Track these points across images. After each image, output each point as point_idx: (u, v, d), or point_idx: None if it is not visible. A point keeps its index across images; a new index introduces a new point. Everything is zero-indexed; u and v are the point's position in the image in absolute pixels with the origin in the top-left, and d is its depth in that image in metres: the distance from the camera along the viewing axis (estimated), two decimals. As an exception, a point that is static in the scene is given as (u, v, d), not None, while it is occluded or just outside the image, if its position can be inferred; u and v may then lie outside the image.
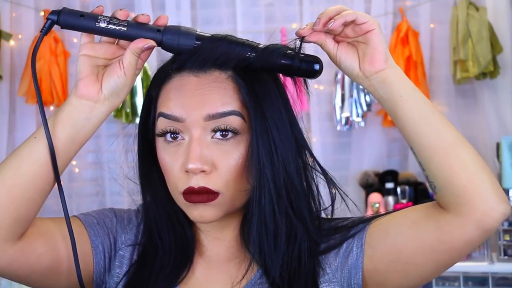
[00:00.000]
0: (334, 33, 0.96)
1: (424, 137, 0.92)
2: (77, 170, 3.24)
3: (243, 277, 0.99)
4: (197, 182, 0.93)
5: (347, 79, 3.04)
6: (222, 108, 0.94)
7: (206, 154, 0.94)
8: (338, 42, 0.97)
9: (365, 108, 3.04)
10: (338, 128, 3.11)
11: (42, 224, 0.99)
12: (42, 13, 3.11)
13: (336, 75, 3.07)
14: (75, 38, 3.12)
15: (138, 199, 1.07)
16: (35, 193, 0.94)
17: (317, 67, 0.97)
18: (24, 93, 3.07)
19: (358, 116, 3.05)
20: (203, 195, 0.94)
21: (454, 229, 0.91)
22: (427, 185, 0.97)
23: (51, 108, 3.18)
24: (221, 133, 0.95)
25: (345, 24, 0.94)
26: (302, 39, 0.96)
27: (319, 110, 3.15)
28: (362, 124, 3.09)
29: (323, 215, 1.04)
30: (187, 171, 0.94)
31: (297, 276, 0.97)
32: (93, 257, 1.03)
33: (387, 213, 1.01)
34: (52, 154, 0.93)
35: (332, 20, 0.93)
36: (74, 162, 3.18)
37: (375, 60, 0.93)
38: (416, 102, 0.93)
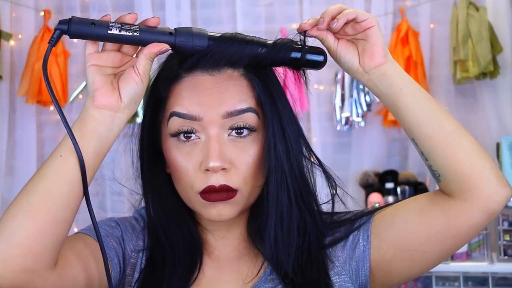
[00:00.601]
0: (335, 31, 0.97)
1: (425, 127, 0.94)
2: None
3: (257, 273, 1.00)
4: (217, 180, 0.94)
5: (347, 79, 3.04)
6: (240, 105, 0.95)
7: (225, 152, 0.95)
8: (338, 39, 0.98)
9: (365, 108, 3.04)
10: (338, 128, 3.11)
11: (71, 244, 0.96)
12: (42, 13, 3.11)
13: (336, 75, 3.07)
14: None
15: (136, 200, 1.06)
16: (69, 213, 0.89)
17: (321, 58, 0.99)
18: (24, 93, 3.07)
19: (358, 116, 3.05)
20: (223, 193, 0.95)
21: (460, 215, 0.94)
22: (431, 175, 1.00)
23: (51, 108, 3.18)
24: (236, 131, 0.96)
25: (346, 23, 0.96)
26: (305, 32, 0.98)
27: (319, 110, 3.15)
28: (362, 124, 3.09)
29: (324, 209, 1.05)
30: (207, 170, 0.94)
31: (309, 267, 0.98)
32: (111, 270, 1.01)
33: (388, 205, 1.03)
34: (83, 171, 0.89)
35: (336, 20, 0.95)
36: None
37: (374, 54, 0.96)
38: (415, 94, 0.96)
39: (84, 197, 0.91)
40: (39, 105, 3.17)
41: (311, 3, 3.10)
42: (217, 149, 0.93)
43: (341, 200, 1.05)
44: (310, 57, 0.98)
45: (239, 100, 0.96)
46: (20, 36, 3.15)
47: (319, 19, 0.97)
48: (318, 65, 0.99)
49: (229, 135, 0.96)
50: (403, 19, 3.04)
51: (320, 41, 0.98)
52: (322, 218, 1.03)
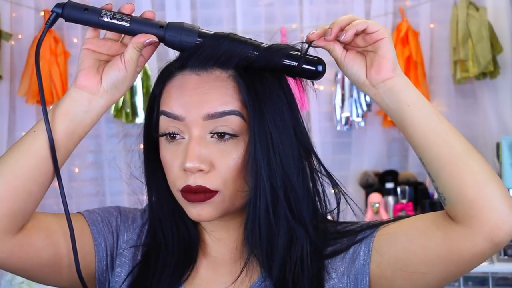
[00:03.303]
0: (345, 43, 0.95)
1: (433, 147, 0.91)
2: (77, 170, 3.24)
3: (238, 275, 0.99)
4: (194, 181, 0.93)
5: (347, 79, 3.03)
6: (222, 108, 0.94)
7: (205, 153, 0.94)
8: (347, 49, 0.96)
9: (365, 108, 3.04)
10: (338, 128, 3.11)
11: (43, 219, 0.99)
12: (42, 13, 3.11)
13: (336, 75, 3.07)
14: (75, 38, 3.12)
15: (144, 198, 1.07)
16: (34, 186, 0.94)
17: (320, 68, 0.97)
18: (24, 93, 3.07)
19: (358, 116, 3.05)
20: (200, 194, 0.94)
21: (464, 241, 0.89)
22: (438, 198, 0.95)
23: (51, 108, 3.18)
24: (218, 135, 0.94)
25: (356, 34, 0.93)
26: (310, 43, 0.95)
27: (319, 110, 3.15)
28: (362, 124, 3.09)
29: (329, 217, 1.03)
30: (185, 170, 0.94)
31: (301, 279, 0.96)
32: (95, 254, 1.03)
33: (395, 219, 0.99)
34: (52, 148, 0.94)
35: (344, 31, 0.92)
36: (74, 162, 3.18)
37: (382, 68, 0.92)
38: (424, 111, 0.92)
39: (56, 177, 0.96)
40: (39, 105, 3.16)
41: (311, 3, 3.09)
42: (195, 150, 0.93)
43: (350, 207, 1.01)
44: (306, 66, 0.96)
45: (221, 102, 0.94)
46: (20, 36, 3.15)
47: (327, 30, 0.94)
48: (314, 76, 0.97)
49: (212, 137, 0.95)
50: (403, 19, 3.04)
51: (328, 51, 0.96)
52: (326, 228, 1.01)
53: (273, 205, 0.95)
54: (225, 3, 3.16)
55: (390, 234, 0.96)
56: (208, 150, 0.94)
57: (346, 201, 1.01)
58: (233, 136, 0.94)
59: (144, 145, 1.04)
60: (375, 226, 0.99)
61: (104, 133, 3.19)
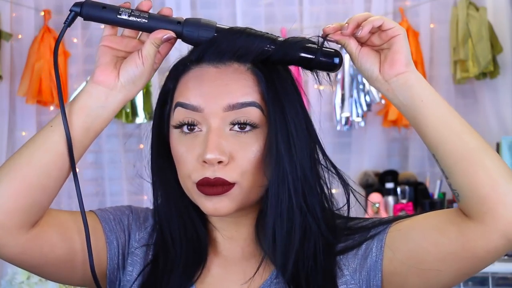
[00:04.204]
0: (361, 40, 0.95)
1: (447, 142, 0.90)
2: (77, 170, 3.23)
3: (254, 274, 0.98)
4: (213, 173, 0.93)
5: (347, 79, 3.04)
6: (242, 99, 0.94)
7: (224, 145, 0.93)
8: (361, 46, 0.96)
9: (365, 108, 3.03)
10: (338, 128, 3.11)
11: (58, 215, 0.99)
12: (42, 13, 3.11)
13: (336, 75, 3.06)
14: (75, 38, 3.13)
15: (145, 198, 1.06)
16: (49, 181, 0.94)
17: (337, 60, 0.97)
18: (24, 93, 3.07)
19: (358, 116, 3.05)
20: (218, 187, 0.93)
21: (478, 238, 0.89)
22: (452, 194, 0.95)
23: (51, 108, 3.18)
24: (239, 126, 0.94)
25: (372, 32, 0.94)
26: (326, 36, 0.96)
27: (319, 110, 3.14)
28: (362, 124, 3.09)
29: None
30: (204, 162, 0.93)
31: (314, 273, 0.96)
32: (107, 253, 1.03)
33: (408, 216, 0.99)
34: (69, 143, 0.94)
35: (361, 27, 0.93)
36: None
37: (395, 62, 0.92)
38: (437, 106, 0.91)
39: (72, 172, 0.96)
40: (39, 105, 3.16)
41: (311, 3, 3.09)
42: (215, 142, 0.92)
43: (360, 203, 1.01)
44: (324, 58, 0.97)
45: (242, 93, 0.94)
46: (20, 36, 3.15)
47: (343, 25, 0.94)
48: (332, 68, 0.97)
49: (231, 129, 0.94)
50: (403, 19, 3.04)
51: (342, 46, 0.96)
52: (335, 224, 1.00)
53: (295, 198, 0.95)
54: (225, 3, 3.17)
55: (403, 230, 0.96)
56: (227, 142, 0.94)
57: (355, 197, 1.01)
58: (253, 127, 0.94)
59: (153, 141, 1.03)
60: (387, 222, 0.98)
61: (104, 133, 3.18)
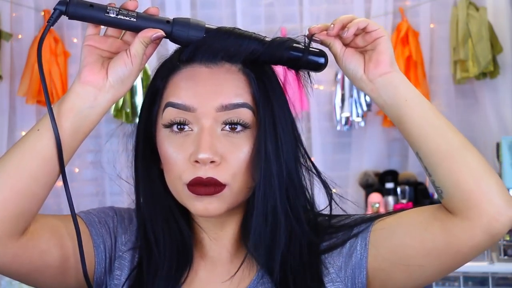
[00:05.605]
0: (346, 41, 0.96)
1: (430, 141, 0.92)
2: (77, 170, 3.24)
3: (236, 272, 0.98)
4: (205, 173, 0.92)
5: (347, 79, 3.03)
6: (235, 100, 0.94)
7: (217, 145, 0.93)
8: (345, 46, 0.97)
9: (365, 108, 3.04)
10: (338, 128, 3.11)
11: (46, 220, 0.98)
12: (42, 13, 3.11)
13: (336, 75, 3.07)
14: (75, 38, 3.13)
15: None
16: (38, 187, 0.91)
17: (322, 60, 0.98)
18: (24, 93, 3.07)
19: (358, 116, 3.05)
20: (210, 187, 0.93)
21: (461, 233, 0.91)
22: (435, 191, 0.97)
23: (55, 105, 3.18)
24: (230, 126, 0.94)
25: (356, 34, 0.95)
26: (312, 36, 0.96)
27: (319, 110, 3.15)
28: (362, 124, 3.09)
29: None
30: (196, 162, 0.92)
31: (301, 272, 0.97)
32: (95, 257, 1.02)
33: (390, 213, 1.00)
34: (59, 147, 0.91)
35: (346, 28, 0.94)
36: (74, 162, 3.18)
37: (380, 62, 0.94)
38: (421, 106, 0.93)
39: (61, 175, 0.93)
40: (39, 105, 3.17)
41: (311, 3, 3.09)
42: (208, 141, 0.92)
43: (340, 207, 1.02)
44: (311, 58, 0.97)
45: (235, 94, 0.94)
46: (20, 36, 3.15)
47: (329, 26, 0.95)
48: (318, 67, 0.98)
49: (222, 130, 0.94)
50: (403, 19, 3.04)
51: (327, 46, 0.97)
52: (317, 223, 1.01)
53: (280, 199, 0.95)
54: (225, 3, 3.17)
55: (387, 227, 0.97)
56: (219, 142, 0.93)
57: (335, 202, 1.02)
58: (245, 128, 0.95)
59: (137, 140, 1.02)
60: (370, 219, 1.00)
61: (104, 133, 3.19)
